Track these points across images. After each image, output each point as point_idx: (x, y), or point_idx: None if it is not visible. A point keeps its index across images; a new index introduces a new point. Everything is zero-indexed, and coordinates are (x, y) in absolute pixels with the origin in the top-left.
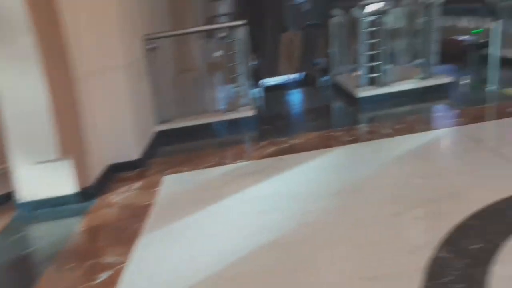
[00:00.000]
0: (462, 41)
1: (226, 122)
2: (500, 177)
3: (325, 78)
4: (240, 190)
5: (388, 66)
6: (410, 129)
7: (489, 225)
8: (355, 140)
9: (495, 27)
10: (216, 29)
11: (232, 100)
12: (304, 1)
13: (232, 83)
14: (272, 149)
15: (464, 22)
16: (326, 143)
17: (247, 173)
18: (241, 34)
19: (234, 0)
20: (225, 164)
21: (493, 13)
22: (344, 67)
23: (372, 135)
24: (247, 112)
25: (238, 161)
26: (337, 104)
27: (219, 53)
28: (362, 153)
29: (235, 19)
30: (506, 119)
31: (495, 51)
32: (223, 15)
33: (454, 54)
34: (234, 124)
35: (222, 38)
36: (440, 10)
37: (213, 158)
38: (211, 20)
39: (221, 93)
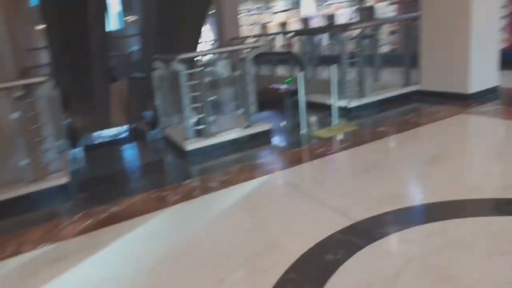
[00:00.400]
0: (278, 89)
1: (31, 194)
2: (314, 220)
3: (155, 131)
4: (37, 287)
5: (212, 118)
6: (235, 180)
7: (305, 275)
8: (182, 199)
9: (300, 76)
10: (15, 86)
11: (39, 167)
12: (135, 51)
13: (40, 146)
14: (87, 222)
15: (280, 71)
16: (152, 206)
17: (51, 261)
18: (46, 90)
19: (53, 49)
20: (24, 251)
21: (298, 64)
22: (173, 120)
23: (199, 191)
24: (59, 180)
25: (43, 244)
26: (167, 159)
27: (16, 114)
28: (188, 212)
29: (55, 69)
30: (316, 161)
31: (301, 97)
32: (41, 66)
33: (273, 101)
34: (42, 196)
35: (21, 97)
36: (253, 62)
37: (10, 246)
38: (26, 71)
39: (27, 160)
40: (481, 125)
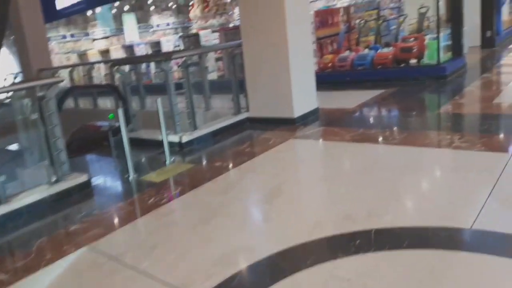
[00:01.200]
0: (101, 126)
1: None
2: None
3: None
4: None
5: (1, 177)
6: (38, 263)
7: None
8: None
9: (120, 112)
10: None
11: None
12: None
13: None
14: None
15: (103, 104)
16: None
17: None
18: None
19: None
20: None
21: (119, 98)
22: None
23: None
24: None
25: None
26: None
27: None
28: None
29: None
30: (146, 216)
31: (124, 136)
32: None
33: (95, 141)
34: None
35: None
36: (69, 96)
37: None
38: None
39: None
40: (309, 150)
